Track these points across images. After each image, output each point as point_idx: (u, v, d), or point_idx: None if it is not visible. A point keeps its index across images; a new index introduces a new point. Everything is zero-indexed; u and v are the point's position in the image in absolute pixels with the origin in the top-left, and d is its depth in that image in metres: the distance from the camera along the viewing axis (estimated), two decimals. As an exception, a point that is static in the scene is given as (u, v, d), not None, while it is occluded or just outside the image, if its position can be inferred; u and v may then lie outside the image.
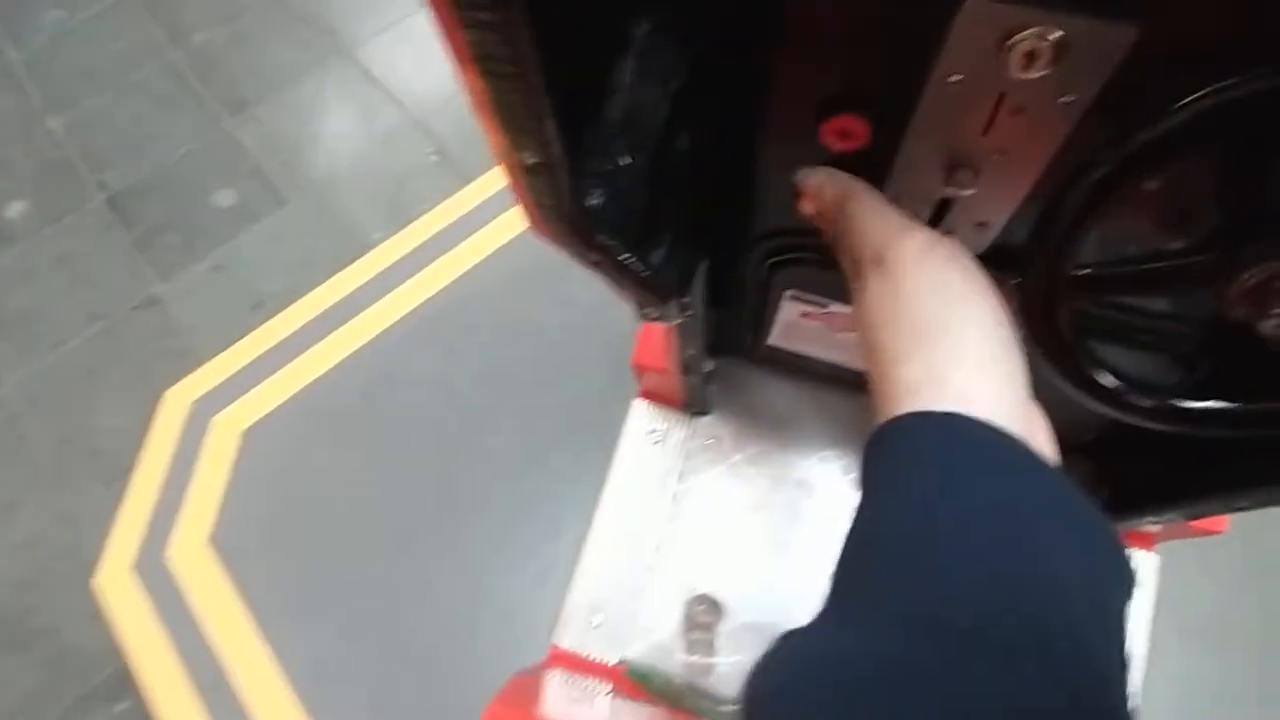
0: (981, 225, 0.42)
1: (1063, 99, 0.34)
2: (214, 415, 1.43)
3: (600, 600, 0.69)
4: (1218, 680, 1.16)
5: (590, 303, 1.43)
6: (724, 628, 0.68)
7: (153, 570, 1.30)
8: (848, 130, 0.39)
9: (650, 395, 0.75)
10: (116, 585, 1.30)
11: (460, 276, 1.55)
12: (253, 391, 1.45)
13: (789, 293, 0.57)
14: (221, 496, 1.35)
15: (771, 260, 0.54)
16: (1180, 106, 0.29)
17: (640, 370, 0.70)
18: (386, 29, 1.97)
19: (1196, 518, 0.54)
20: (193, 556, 1.30)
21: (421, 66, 1.90)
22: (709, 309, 0.60)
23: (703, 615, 0.67)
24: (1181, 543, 0.68)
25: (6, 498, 1.44)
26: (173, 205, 1.77)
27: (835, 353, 0.65)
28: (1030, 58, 0.32)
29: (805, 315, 0.60)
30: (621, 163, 0.33)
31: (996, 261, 0.38)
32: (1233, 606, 1.19)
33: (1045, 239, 0.34)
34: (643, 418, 0.75)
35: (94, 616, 1.31)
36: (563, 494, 1.26)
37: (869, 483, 0.32)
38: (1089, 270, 0.35)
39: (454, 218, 1.64)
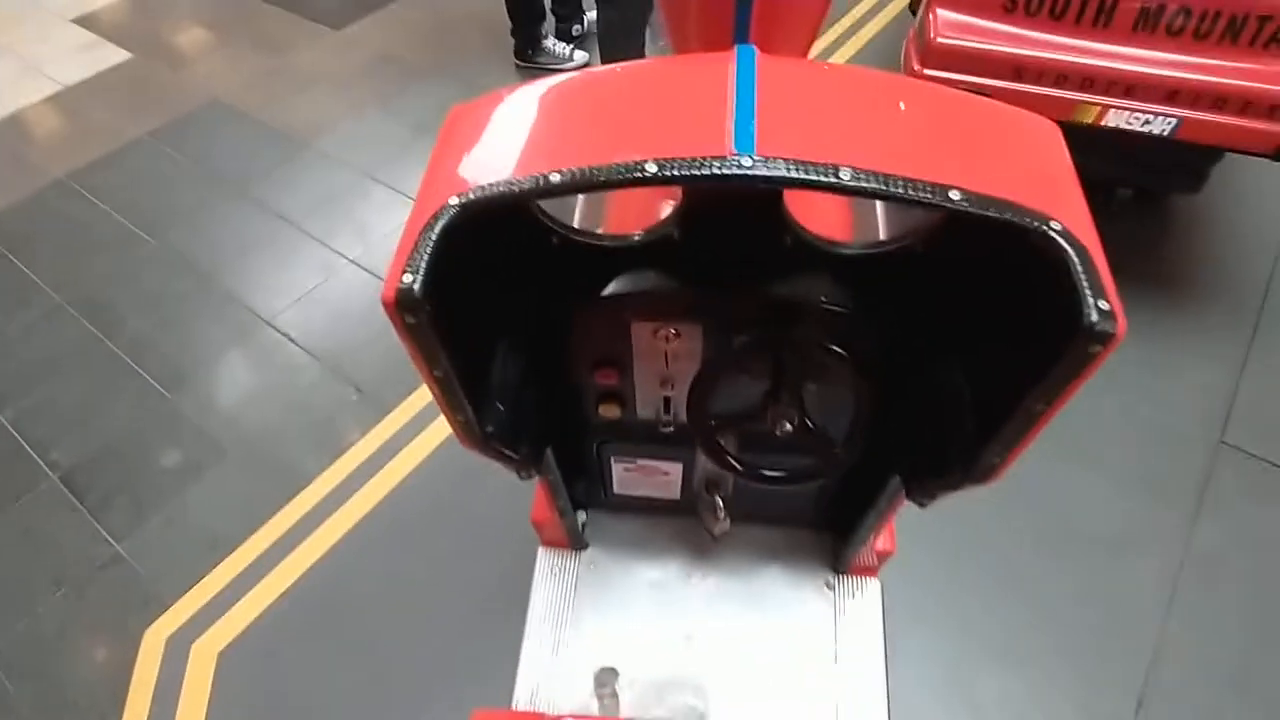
0: None
1: (689, 349, 0.85)
2: (190, 644, 1.74)
3: (537, 686, 1.09)
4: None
5: (499, 492, 1.86)
6: (621, 685, 1.09)
7: (152, 793, 1.54)
8: (608, 375, 0.89)
9: (548, 543, 1.19)
10: (119, 815, 1.53)
11: (390, 491, 1.96)
12: (222, 619, 1.78)
13: (612, 458, 1.05)
14: (206, 712, 1.63)
15: (597, 441, 1.02)
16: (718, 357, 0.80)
17: (537, 525, 1.14)
18: (299, 299, 2.48)
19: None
20: (188, 773, 1.56)
21: (333, 325, 2.40)
22: (576, 482, 1.07)
23: (605, 678, 1.08)
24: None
25: (-10, 765, 1.65)
26: (121, 472, 2.12)
27: (654, 490, 1.12)
28: (668, 337, 0.83)
29: (627, 470, 1.07)
30: (500, 409, 0.80)
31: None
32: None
33: (689, 406, 0.84)
34: (546, 559, 1.19)
35: None
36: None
37: None
38: (713, 422, 0.85)
39: (380, 442, 2.07)
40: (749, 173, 0.51)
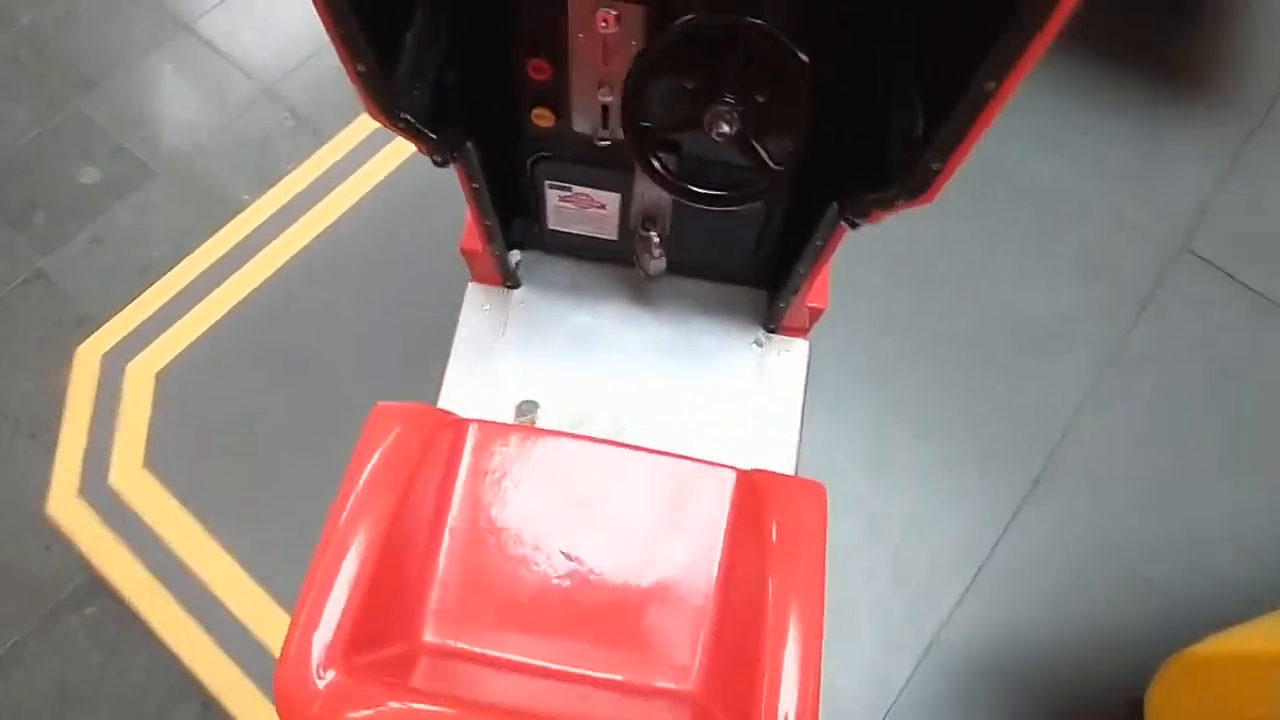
0: None
1: (630, 44, 0.81)
2: (126, 364, 1.79)
3: (457, 410, 1.15)
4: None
5: (442, 230, 1.85)
6: (540, 416, 1.15)
7: (99, 495, 1.67)
8: (539, 67, 0.85)
9: (479, 279, 1.20)
10: (68, 511, 1.66)
11: (330, 224, 1.94)
12: (158, 340, 1.82)
13: (548, 183, 1.04)
14: (147, 428, 1.72)
15: (532, 159, 1.00)
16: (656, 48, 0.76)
17: (467, 255, 1.15)
18: (220, 2, 2.27)
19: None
20: (133, 479, 1.68)
21: (262, 37, 2.22)
22: (512, 220, 1.06)
23: (526, 409, 1.15)
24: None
25: (-68, 467, 1.74)
26: (36, 186, 2.05)
27: (591, 227, 1.12)
28: (608, 22, 0.78)
29: (562, 199, 1.06)
30: (415, 82, 0.77)
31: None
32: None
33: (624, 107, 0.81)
34: (475, 295, 1.21)
35: (47, 546, 1.66)
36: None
37: None
38: (647, 125, 0.83)
39: (318, 173, 2.01)
40: None
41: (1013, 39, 0.54)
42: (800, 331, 1.22)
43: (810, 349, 1.22)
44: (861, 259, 1.76)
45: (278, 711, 0.77)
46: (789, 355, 1.21)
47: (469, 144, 0.88)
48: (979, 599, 1.61)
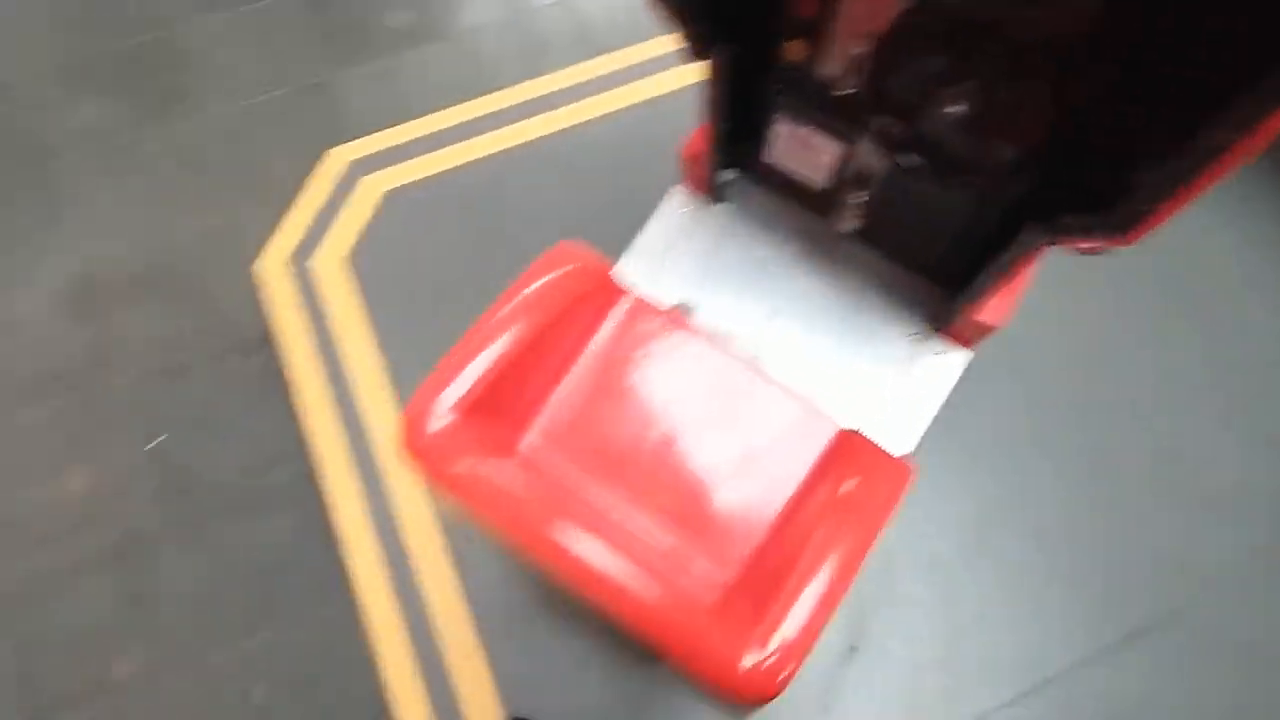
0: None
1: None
2: (364, 176, 2.01)
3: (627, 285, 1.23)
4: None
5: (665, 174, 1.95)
6: (693, 322, 1.21)
7: (300, 270, 1.90)
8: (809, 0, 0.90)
9: (689, 182, 1.28)
10: (271, 273, 1.90)
11: (573, 125, 2.10)
12: (397, 166, 2.04)
13: (780, 115, 1.09)
14: (361, 232, 1.93)
15: (775, 88, 1.06)
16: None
17: (685, 160, 1.22)
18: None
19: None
20: (332, 268, 1.90)
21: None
22: (737, 143, 1.13)
23: (681, 312, 1.21)
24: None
25: (190, 200, 2.04)
26: (353, 12, 2.34)
27: (806, 170, 1.16)
28: None
29: (787, 134, 1.11)
30: None
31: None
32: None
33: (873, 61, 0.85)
34: (678, 196, 1.28)
35: (244, 296, 1.90)
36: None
37: None
38: (887, 85, 0.87)
39: (578, 81, 2.17)
40: None
41: (1262, 97, 0.50)
42: (965, 341, 1.21)
43: (968, 363, 1.20)
44: (1049, 352, 1.69)
45: (400, 433, 0.88)
46: (943, 359, 1.20)
47: (725, 45, 0.95)
48: (1028, 713, 1.51)
